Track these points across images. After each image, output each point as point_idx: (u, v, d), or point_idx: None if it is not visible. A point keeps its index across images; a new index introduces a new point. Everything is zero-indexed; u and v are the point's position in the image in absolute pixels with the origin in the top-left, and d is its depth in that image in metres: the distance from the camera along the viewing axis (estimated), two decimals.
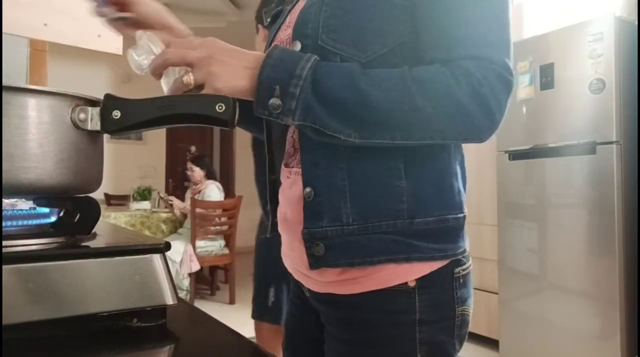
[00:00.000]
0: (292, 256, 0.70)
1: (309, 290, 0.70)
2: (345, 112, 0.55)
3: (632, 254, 2.15)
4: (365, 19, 0.59)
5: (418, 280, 0.61)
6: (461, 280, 0.64)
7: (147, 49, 0.64)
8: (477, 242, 2.95)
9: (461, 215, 0.64)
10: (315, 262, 0.62)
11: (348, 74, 0.55)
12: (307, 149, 0.63)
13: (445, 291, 0.63)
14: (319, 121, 0.55)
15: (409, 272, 0.61)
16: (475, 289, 2.58)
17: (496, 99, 0.55)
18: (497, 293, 2.63)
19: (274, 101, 0.54)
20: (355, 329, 0.64)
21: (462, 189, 0.65)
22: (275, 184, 0.75)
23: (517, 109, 2.51)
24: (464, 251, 0.65)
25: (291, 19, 0.68)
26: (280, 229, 0.72)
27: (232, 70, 0.55)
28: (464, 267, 0.65)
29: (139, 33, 0.67)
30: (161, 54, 0.59)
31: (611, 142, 2.13)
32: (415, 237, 0.60)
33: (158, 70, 0.59)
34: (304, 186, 0.63)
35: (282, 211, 0.70)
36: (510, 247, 2.52)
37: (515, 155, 2.52)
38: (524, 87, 2.48)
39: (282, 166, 0.71)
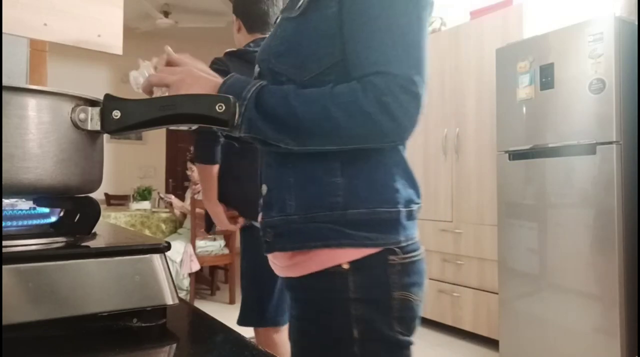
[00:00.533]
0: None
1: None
2: (281, 125, 0.67)
3: (632, 253, 2.15)
4: (303, 47, 0.73)
5: (351, 263, 0.70)
6: (398, 267, 0.72)
7: (143, 73, 0.80)
8: (477, 242, 2.95)
9: (395, 210, 0.72)
10: (268, 247, 0.76)
11: (284, 94, 0.68)
12: (265, 154, 0.79)
13: (377, 275, 0.71)
14: (262, 133, 0.68)
15: (343, 256, 0.71)
16: (475, 289, 2.57)
17: (401, 107, 0.65)
18: (497, 293, 2.63)
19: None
20: (301, 307, 0.76)
21: (400, 187, 0.74)
22: None
23: (517, 109, 2.51)
24: (400, 242, 0.72)
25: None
26: None
27: (196, 92, 0.67)
28: (404, 256, 0.72)
29: (141, 61, 0.83)
30: (148, 77, 0.74)
31: (611, 142, 2.13)
32: (348, 226, 0.70)
33: (146, 89, 0.73)
34: (261, 184, 0.79)
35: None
36: (510, 247, 2.52)
37: (515, 155, 2.52)
38: (524, 87, 2.48)
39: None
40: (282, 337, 1.71)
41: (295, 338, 0.77)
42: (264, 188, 0.78)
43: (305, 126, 0.67)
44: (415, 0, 0.70)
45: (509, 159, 2.55)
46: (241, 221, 1.67)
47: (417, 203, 0.76)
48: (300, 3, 0.74)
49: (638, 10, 2.47)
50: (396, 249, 0.72)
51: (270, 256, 0.80)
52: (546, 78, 2.38)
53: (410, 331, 0.74)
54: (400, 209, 0.72)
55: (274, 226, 0.75)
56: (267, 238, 0.76)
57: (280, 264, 0.78)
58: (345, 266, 0.71)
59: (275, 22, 0.84)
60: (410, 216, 0.74)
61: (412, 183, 0.77)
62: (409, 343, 0.74)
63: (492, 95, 2.80)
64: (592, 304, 2.17)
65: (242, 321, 1.70)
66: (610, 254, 2.11)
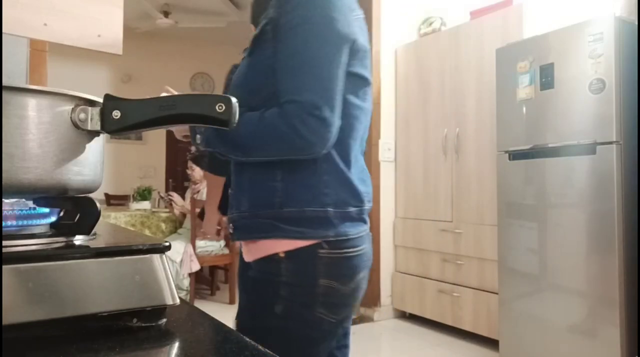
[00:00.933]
0: None
1: None
2: (229, 142, 0.88)
3: (632, 254, 2.15)
4: (249, 80, 0.92)
5: (286, 252, 0.88)
6: (326, 259, 0.88)
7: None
8: (477, 242, 2.95)
9: (322, 209, 0.88)
10: (231, 237, 0.97)
11: None
12: (232, 164, 0.99)
13: (306, 264, 0.88)
14: (216, 147, 0.90)
15: (280, 246, 0.88)
16: (475, 289, 2.58)
17: (308, 128, 0.82)
18: (497, 293, 2.63)
19: (195, 137, 0.92)
20: (249, 284, 0.96)
21: (331, 191, 0.89)
22: None
23: (517, 109, 2.51)
24: (327, 237, 0.88)
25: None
26: None
27: None
28: (333, 251, 0.89)
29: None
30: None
31: (611, 142, 2.13)
32: (282, 221, 0.88)
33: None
34: (230, 187, 0.99)
35: None
36: (510, 247, 2.52)
37: (515, 155, 2.52)
38: (524, 87, 2.48)
39: None
40: None
41: (241, 305, 0.97)
42: (230, 190, 0.98)
43: (245, 142, 0.87)
44: (330, 42, 0.86)
45: (509, 159, 2.55)
46: (222, 234, 1.91)
47: (357, 206, 0.92)
48: (250, 46, 0.94)
49: (638, 10, 2.47)
50: (324, 244, 0.88)
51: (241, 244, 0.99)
52: (546, 78, 2.38)
53: (336, 314, 0.91)
54: (329, 209, 0.88)
55: (233, 221, 0.95)
56: (231, 230, 0.96)
57: (243, 251, 0.99)
58: (282, 255, 0.89)
59: None
60: (346, 216, 0.90)
61: (349, 188, 0.92)
62: (333, 323, 0.91)
63: (492, 95, 2.80)
64: (592, 304, 2.17)
65: None
66: (610, 254, 2.11)
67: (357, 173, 0.95)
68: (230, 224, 0.96)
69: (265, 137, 0.85)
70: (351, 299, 0.94)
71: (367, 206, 0.96)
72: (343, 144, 0.91)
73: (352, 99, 0.92)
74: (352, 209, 0.91)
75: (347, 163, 0.92)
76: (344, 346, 1.07)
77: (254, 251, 0.93)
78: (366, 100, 0.97)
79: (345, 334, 1.07)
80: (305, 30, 0.85)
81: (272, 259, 0.89)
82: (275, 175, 0.90)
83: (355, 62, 0.91)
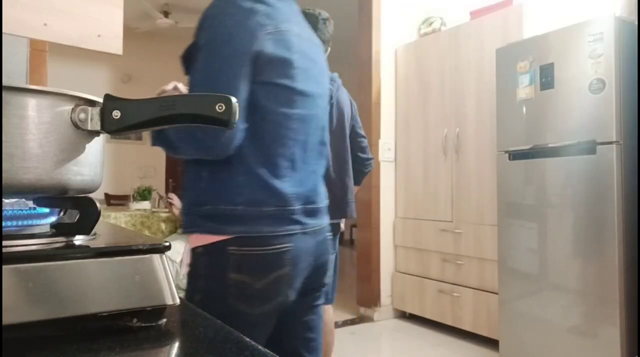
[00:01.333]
0: None
1: None
2: (164, 140, 0.99)
3: (632, 254, 2.15)
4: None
5: (203, 247, 0.98)
6: (235, 256, 0.96)
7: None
8: (477, 242, 2.95)
9: (230, 208, 0.97)
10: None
11: None
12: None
13: (218, 258, 0.97)
14: (159, 145, 1.00)
15: (200, 241, 0.98)
16: (475, 289, 2.58)
17: (204, 132, 0.91)
18: (497, 293, 2.63)
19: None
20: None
21: (246, 191, 0.97)
22: None
23: (517, 109, 2.51)
24: (239, 233, 0.96)
25: None
26: None
27: None
28: (242, 248, 0.96)
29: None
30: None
31: (611, 142, 2.13)
32: (201, 218, 0.98)
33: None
34: None
35: None
36: (510, 247, 2.52)
37: (515, 155, 2.52)
38: (524, 87, 2.48)
39: None
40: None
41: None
42: None
43: (172, 142, 0.98)
44: (227, 57, 0.95)
45: (509, 159, 2.55)
46: None
47: (280, 206, 0.98)
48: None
49: (638, 10, 2.47)
50: (234, 240, 0.95)
51: None
52: (546, 78, 2.38)
53: (253, 307, 0.97)
54: (239, 207, 0.96)
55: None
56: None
57: None
58: (200, 249, 0.98)
59: None
60: (261, 215, 0.97)
61: (268, 189, 0.99)
62: (248, 315, 0.97)
63: (492, 95, 2.80)
64: (592, 304, 2.17)
65: None
66: (610, 254, 2.11)
67: (300, 176, 1.03)
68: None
69: (183, 139, 0.96)
70: (271, 294, 0.99)
71: (299, 206, 1.02)
72: (264, 149, 0.99)
73: (275, 107, 0.99)
74: (269, 209, 0.97)
75: (272, 166, 1.00)
76: (311, 340, 1.13)
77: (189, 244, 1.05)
78: (300, 108, 1.03)
79: (310, 328, 1.12)
80: (208, 49, 0.97)
81: (195, 252, 1.00)
82: (200, 175, 1.00)
83: (271, 74, 0.99)
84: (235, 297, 0.96)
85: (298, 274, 1.02)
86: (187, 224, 1.02)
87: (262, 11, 0.99)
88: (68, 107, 0.49)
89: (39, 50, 1.84)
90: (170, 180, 6.33)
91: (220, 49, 0.97)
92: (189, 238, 1.03)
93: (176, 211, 3.96)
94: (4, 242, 0.43)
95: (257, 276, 0.97)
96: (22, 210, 0.54)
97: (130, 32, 5.18)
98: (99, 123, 0.50)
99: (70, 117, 0.49)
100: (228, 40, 0.96)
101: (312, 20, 1.92)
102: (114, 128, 0.51)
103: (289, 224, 1.00)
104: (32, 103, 0.46)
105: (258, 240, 0.96)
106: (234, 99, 0.54)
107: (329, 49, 2.05)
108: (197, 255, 0.99)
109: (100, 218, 0.52)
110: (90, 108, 0.50)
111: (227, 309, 0.96)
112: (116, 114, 0.50)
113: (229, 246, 0.96)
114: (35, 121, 0.46)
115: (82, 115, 0.49)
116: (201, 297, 0.97)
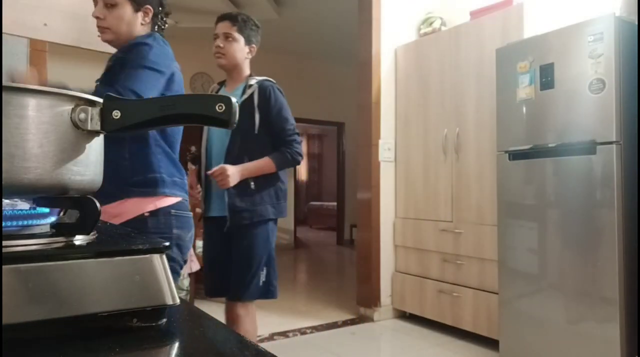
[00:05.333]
0: None
1: None
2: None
3: (632, 254, 2.15)
4: None
5: (150, 212, 1.35)
6: (176, 216, 1.39)
7: None
8: (477, 242, 2.95)
9: (154, 175, 1.37)
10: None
11: None
12: None
13: (164, 219, 1.37)
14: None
15: (144, 208, 1.35)
16: (475, 289, 2.58)
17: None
18: (497, 293, 2.64)
19: None
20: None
21: (159, 162, 1.40)
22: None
23: (517, 109, 2.51)
24: (166, 193, 1.38)
25: None
26: None
27: None
28: (178, 210, 1.41)
29: None
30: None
31: (611, 142, 2.13)
32: (133, 186, 1.35)
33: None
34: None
35: None
36: (510, 247, 2.52)
37: (515, 155, 2.52)
38: (524, 87, 2.48)
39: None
40: (248, 311, 2.01)
41: None
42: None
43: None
44: (149, 76, 1.36)
45: (509, 159, 2.55)
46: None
47: (178, 178, 1.44)
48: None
49: (638, 10, 2.47)
50: (164, 196, 1.38)
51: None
52: (546, 78, 2.38)
53: (182, 255, 1.44)
54: (161, 175, 1.38)
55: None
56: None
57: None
58: (147, 214, 1.34)
59: None
60: (174, 185, 1.41)
61: (169, 160, 1.43)
62: (176, 260, 1.41)
63: (492, 95, 2.80)
64: (592, 304, 2.17)
65: (210, 293, 2.18)
66: (610, 254, 2.11)
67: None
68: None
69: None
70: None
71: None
72: (170, 141, 1.45)
73: None
74: (175, 179, 1.42)
75: (174, 151, 1.47)
76: None
77: (123, 213, 1.36)
78: None
79: None
80: (137, 70, 1.33)
81: (141, 218, 1.34)
82: (124, 154, 1.37)
83: (175, 91, 1.44)
84: (180, 250, 1.46)
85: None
86: (118, 194, 1.36)
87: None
88: (68, 107, 0.49)
89: (39, 50, 1.84)
90: None
91: (144, 71, 1.39)
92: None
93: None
94: (4, 242, 0.43)
95: (188, 231, 1.48)
96: (22, 210, 0.54)
97: None
98: (99, 123, 0.50)
99: (71, 117, 0.49)
100: (152, 66, 1.41)
101: None
102: (114, 128, 0.51)
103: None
104: (32, 103, 0.46)
105: (182, 206, 1.48)
106: (233, 99, 0.54)
107: None
108: (144, 219, 1.38)
109: (101, 218, 0.52)
110: (90, 108, 0.50)
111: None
112: (116, 114, 0.51)
113: (171, 209, 1.43)
114: (35, 121, 0.46)
115: (82, 115, 0.49)
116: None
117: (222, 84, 2.23)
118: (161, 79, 1.38)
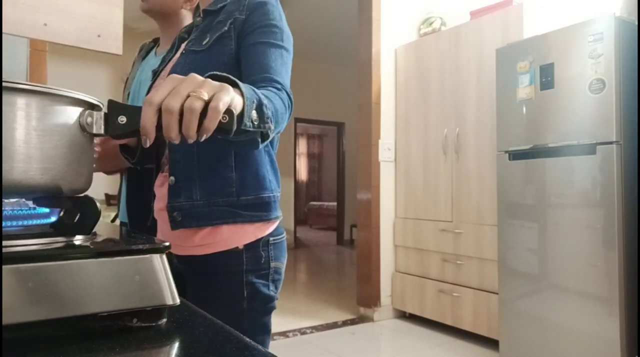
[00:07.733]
0: (164, 234, 1.01)
1: (176, 255, 1.02)
2: (273, 117, 0.81)
3: (632, 254, 2.15)
4: (205, 72, 0.80)
5: (245, 245, 0.98)
6: (274, 246, 1.02)
7: None
8: (477, 242, 2.95)
9: (271, 195, 1.01)
10: (175, 225, 0.98)
11: None
12: (174, 153, 0.99)
13: (262, 252, 1.00)
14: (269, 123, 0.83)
15: (239, 240, 0.98)
16: (475, 289, 2.58)
17: (292, 108, 0.92)
18: (497, 293, 2.64)
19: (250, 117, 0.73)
20: (203, 278, 1.00)
21: (272, 178, 1.03)
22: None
23: (517, 109, 2.51)
24: (277, 217, 1.02)
25: (165, 72, 1.07)
26: (156, 216, 1.06)
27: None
28: (277, 237, 1.03)
29: None
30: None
31: (611, 142, 2.13)
32: (240, 208, 0.98)
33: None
34: (170, 176, 0.99)
35: (157, 205, 1.05)
36: (510, 247, 2.52)
37: (515, 155, 2.52)
38: (524, 87, 2.48)
39: (158, 175, 1.07)
40: None
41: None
42: (172, 180, 0.99)
43: (277, 116, 0.87)
44: (278, 48, 0.99)
45: (509, 159, 2.55)
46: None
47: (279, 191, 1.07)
48: (206, 41, 1.01)
49: (638, 10, 2.47)
50: (270, 226, 1.01)
51: (174, 237, 0.99)
52: (546, 78, 2.38)
53: (276, 290, 1.04)
54: (275, 194, 1.02)
55: (181, 209, 0.98)
56: (175, 218, 0.97)
57: (186, 244, 0.99)
58: (240, 247, 0.98)
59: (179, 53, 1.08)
60: (277, 201, 1.04)
61: (276, 174, 1.05)
62: (276, 298, 1.04)
63: (492, 95, 2.80)
64: (592, 304, 2.17)
65: None
66: (610, 254, 2.11)
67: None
68: (178, 212, 0.97)
69: (281, 113, 0.85)
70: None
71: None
72: (274, 140, 1.06)
73: None
74: (277, 194, 1.05)
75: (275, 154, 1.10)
76: None
77: (214, 245, 1.00)
78: None
79: None
80: (284, 57, 1.00)
81: (232, 252, 0.98)
82: (228, 165, 0.98)
83: None
84: (274, 284, 1.05)
85: None
86: (212, 216, 0.99)
87: None
88: (78, 110, 0.50)
89: (39, 50, 1.84)
90: None
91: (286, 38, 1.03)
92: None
93: None
94: (4, 242, 0.43)
95: (282, 260, 1.08)
96: (22, 210, 0.54)
97: (130, 32, 5.18)
98: (102, 127, 0.51)
99: (79, 121, 0.50)
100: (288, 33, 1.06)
101: None
102: (118, 132, 0.53)
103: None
104: (33, 103, 0.46)
105: (281, 228, 1.08)
106: (235, 111, 0.57)
107: None
108: (237, 254, 1.00)
109: (100, 218, 0.52)
110: (95, 112, 0.51)
111: (268, 296, 1.03)
112: (122, 119, 0.53)
113: (270, 238, 1.03)
114: (36, 121, 0.46)
115: (89, 119, 0.50)
116: (250, 292, 1.00)
117: (156, 41, 1.66)
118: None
